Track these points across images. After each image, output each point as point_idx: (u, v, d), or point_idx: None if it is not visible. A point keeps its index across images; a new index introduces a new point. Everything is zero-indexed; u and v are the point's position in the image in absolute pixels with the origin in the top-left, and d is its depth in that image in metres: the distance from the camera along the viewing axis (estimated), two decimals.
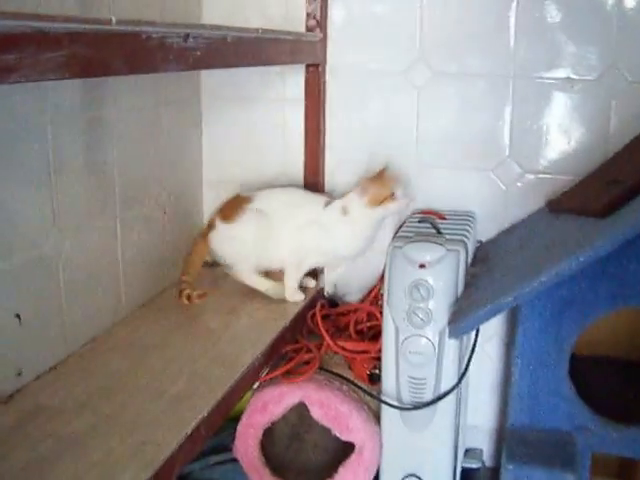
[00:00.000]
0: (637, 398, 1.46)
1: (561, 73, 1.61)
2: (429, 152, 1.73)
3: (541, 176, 1.67)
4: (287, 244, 1.51)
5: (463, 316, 1.28)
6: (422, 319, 1.39)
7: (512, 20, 1.62)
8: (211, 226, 1.57)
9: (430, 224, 1.54)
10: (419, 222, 1.59)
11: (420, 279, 1.37)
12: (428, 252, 1.39)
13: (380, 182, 1.48)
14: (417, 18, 1.67)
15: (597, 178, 1.45)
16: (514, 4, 1.61)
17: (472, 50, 1.66)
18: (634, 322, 1.57)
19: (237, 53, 1.15)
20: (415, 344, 1.40)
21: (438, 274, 1.37)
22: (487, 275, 1.41)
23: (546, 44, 1.60)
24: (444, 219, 1.62)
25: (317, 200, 1.55)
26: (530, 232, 1.54)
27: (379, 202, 1.45)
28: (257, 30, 1.22)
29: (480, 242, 1.67)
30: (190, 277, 1.53)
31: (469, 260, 1.48)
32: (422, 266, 1.38)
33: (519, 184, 1.68)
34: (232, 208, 1.55)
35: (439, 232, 1.50)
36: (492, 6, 1.62)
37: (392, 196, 1.46)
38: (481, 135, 1.68)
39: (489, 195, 1.70)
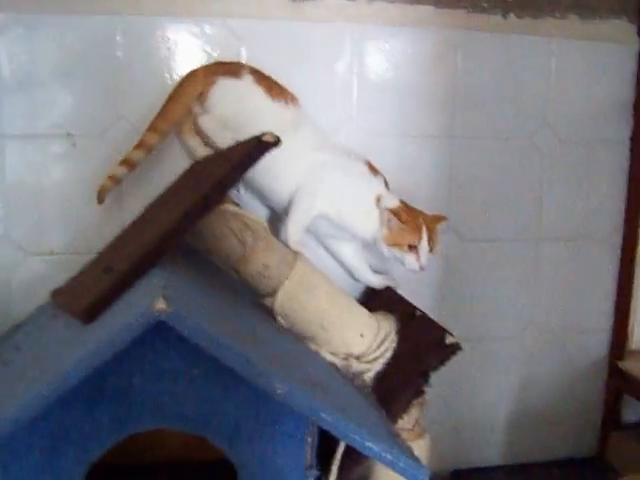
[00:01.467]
0: None
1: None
2: None
3: (47, 257, 1.40)
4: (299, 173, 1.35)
5: None
6: None
7: None
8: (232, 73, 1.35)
9: None
10: None
11: None
12: None
13: (413, 224, 1.37)
14: None
15: (96, 263, 1.22)
16: None
17: None
18: None
19: None
20: None
21: None
22: None
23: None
24: None
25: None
26: (25, 337, 1.26)
27: (396, 244, 1.37)
28: None
29: None
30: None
31: None
32: None
33: (22, 269, 1.41)
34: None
35: None
36: None
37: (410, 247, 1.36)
38: None
39: None
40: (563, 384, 1.85)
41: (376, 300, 1.50)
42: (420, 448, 1.45)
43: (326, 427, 1.00)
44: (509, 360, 1.80)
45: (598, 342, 1.88)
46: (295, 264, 1.33)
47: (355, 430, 1.01)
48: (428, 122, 1.64)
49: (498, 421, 1.84)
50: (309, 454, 1.15)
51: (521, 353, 1.80)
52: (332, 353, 1.35)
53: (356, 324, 1.36)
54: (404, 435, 1.42)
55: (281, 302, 1.31)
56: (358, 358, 1.35)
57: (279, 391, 0.99)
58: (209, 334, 0.95)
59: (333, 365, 1.35)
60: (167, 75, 1.44)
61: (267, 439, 1.13)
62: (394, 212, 1.36)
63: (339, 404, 1.09)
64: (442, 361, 1.31)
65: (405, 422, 1.42)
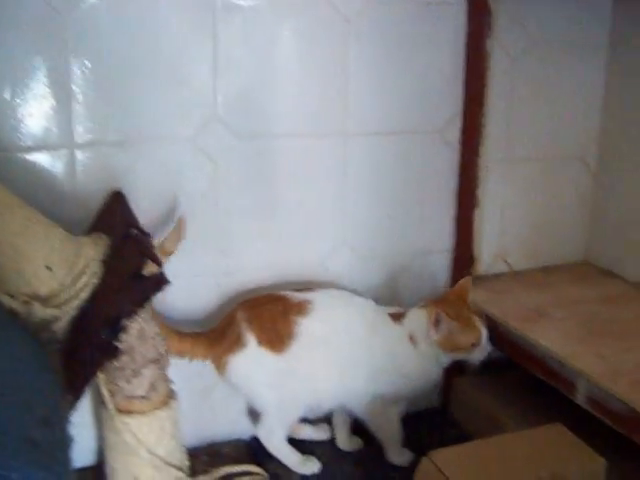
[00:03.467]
0: None
1: None
2: None
3: None
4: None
5: None
6: None
7: None
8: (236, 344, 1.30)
9: None
10: None
11: None
12: None
13: (468, 326, 1.33)
14: None
15: None
16: None
17: None
18: None
19: None
20: None
21: None
22: None
23: None
24: None
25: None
26: None
27: (456, 349, 1.34)
28: None
29: None
30: None
31: None
32: None
33: None
34: (274, 325, 1.30)
35: None
36: None
37: (473, 345, 1.33)
38: None
39: None
40: None
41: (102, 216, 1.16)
42: (160, 420, 1.16)
43: None
44: None
45: (436, 267, 1.60)
46: None
47: None
48: None
49: None
50: None
51: (334, 283, 1.50)
52: (10, 295, 1.01)
53: (41, 253, 1.03)
54: (136, 405, 1.12)
55: None
56: (45, 301, 1.02)
57: None
58: None
59: (13, 312, 1.01)
60: None
61: None
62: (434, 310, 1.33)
63: None
64: (138, 302, 0.98)
65: (135, 387, 1.12)
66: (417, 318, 1.35)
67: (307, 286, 1.40)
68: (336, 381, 1.34)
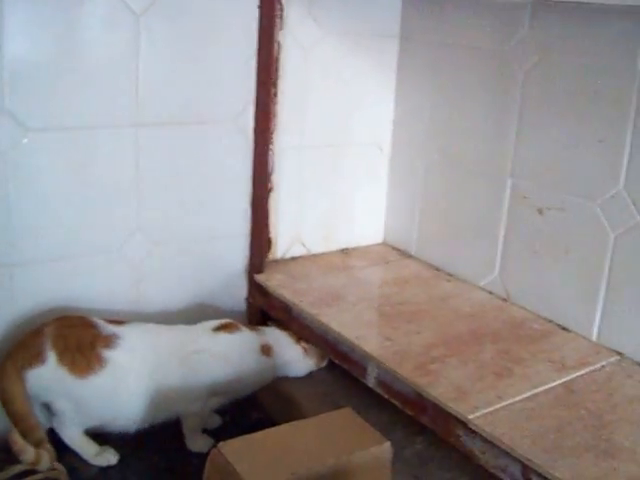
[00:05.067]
0: None
1: None
2: None
3: None
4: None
5: None
6: None
7: None
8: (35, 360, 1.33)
9: None
10: None
11: None
12: None
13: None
14: None
15: None
16: None
17: None
18: None
19: None
20: None
21: None
22: None
23: None
24: None
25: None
26: None
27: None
28: None
29: None
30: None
31: None
32: None
33: None
34: (79, 350, 1.34)
35: None
36: None
37: None
38: None
39: None
40: (192, 307, 1.63)
41: None
42: None
43: None
44: (115, 281, 1.54)
45: (234, 251, 1.68)
46: None
47: None
48: None
49: None
50: None
51: (129, 270, 1.55)
52: None
53: None
54: None
55: None
56: None
57: None
58: None
59: None
60: None
61: None
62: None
63: None
64: None
65: None
66: (276, 334, 1.56)
67: (120, 318, 1.45)
68: (145, 410, 1.40)
